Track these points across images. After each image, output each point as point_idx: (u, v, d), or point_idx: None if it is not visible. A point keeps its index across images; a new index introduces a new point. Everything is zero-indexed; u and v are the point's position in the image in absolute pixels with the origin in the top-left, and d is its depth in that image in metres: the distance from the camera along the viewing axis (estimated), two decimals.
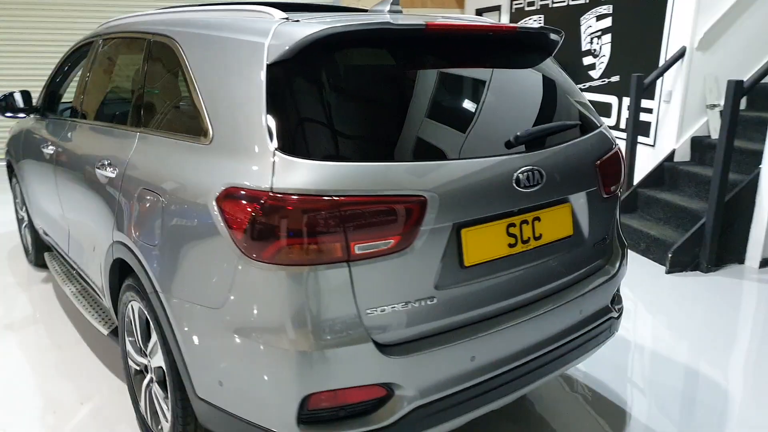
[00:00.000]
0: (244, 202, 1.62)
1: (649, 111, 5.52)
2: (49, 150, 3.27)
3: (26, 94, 3.65)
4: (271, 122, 1.66)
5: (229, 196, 1.66)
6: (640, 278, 4.46)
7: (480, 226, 1.84)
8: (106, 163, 2.44)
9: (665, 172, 5.25)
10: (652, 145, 5.53)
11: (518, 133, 1.90)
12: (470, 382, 1.84)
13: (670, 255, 4.46)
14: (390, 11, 2.24)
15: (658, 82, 5.32)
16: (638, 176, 5.40)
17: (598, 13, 6.21)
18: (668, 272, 4.48)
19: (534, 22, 7.44)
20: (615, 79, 6.01)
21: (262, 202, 1.59)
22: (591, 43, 6.37)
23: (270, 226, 1.58)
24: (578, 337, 2.18)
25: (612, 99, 6.06)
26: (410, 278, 1.72)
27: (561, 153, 2.06)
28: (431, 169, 1.73)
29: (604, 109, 6.18)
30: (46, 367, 3.04)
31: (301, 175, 1.59)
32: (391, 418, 1.70)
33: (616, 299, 2.45)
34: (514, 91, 2.19)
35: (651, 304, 4.02)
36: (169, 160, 2.05)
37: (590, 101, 6.32)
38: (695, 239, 4.47)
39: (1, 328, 3.47)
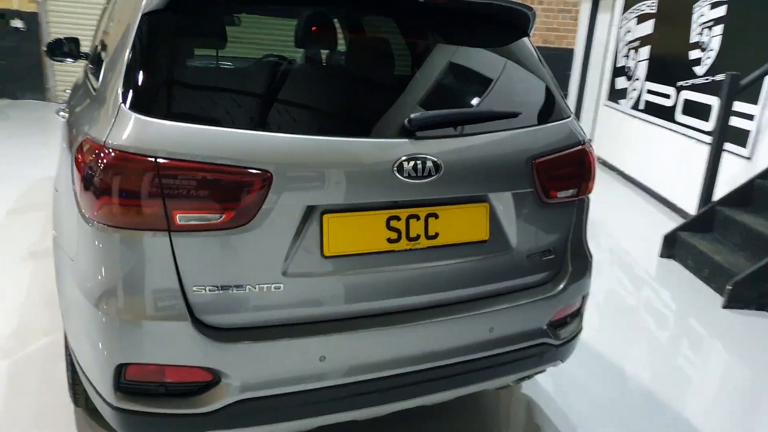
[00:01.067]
0: (86, 154, 1.56)
1: (750, 117, 4.72)
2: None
3: (75, 41, 3.88)
4: (128, 74, 1.58)
5: (80, 147, 1.62)
6: (688, 308, 3.87)
7: (348, 213, 1.63)
8: (63, 108, 2.52)
9: (754, 191, 4.47)
10: (748, 158, 4.74)
11: (412, 116, 1.65)
12: (317, 383, 1.67)
13: (729, 287, 3.81)
14: None
15: (765, 84, 4.52)
16: (722, 191, 4.66)
17: (713, 0, 5.39)
18: (725, 307, 3.84)
19: (648, 7, 6.66)
20: (720, 77, 5.21)
21: (93, 156, 1.52)
22: (700, 34, 5.56)
23: (94, 182, 1.50)
24: (486, 357, 1.90)
25: (713, 100, 5.27)
26: (250, 260, 1.57)
27: (472, 144, 1.77)
28: (285, 143, 1.55)
29: (702, 112, 5.39)
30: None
31: (134, 132, 1.49)
32: (211, 406, 1.59)
33: (565, 324, 2.11)
34: (438, 70, 1.91)
35: (689, 339, 3.47)
36: (80, 107, 2.06)
37: (688, 100, 5.64)
38: (765, 273, 3.78)
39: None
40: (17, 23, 8.56)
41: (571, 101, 9.06)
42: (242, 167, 1.50)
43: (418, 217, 1.72)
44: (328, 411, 1.71)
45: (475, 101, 1.89)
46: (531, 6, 2.02)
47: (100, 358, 1.58)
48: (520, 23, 2.05)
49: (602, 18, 8.29)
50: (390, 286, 1.74)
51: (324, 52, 1.80)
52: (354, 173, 1.61)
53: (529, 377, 2.17)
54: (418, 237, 1.73)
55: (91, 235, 1.55)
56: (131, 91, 1.55)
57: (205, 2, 1.64)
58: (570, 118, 2.04)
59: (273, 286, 1.60)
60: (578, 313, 2.17)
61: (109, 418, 1.62)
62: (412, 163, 1.64)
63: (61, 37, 3.89)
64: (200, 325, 1.56)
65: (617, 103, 7.43)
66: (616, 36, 7.65)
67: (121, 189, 1.46)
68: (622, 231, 5.35)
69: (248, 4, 1.71)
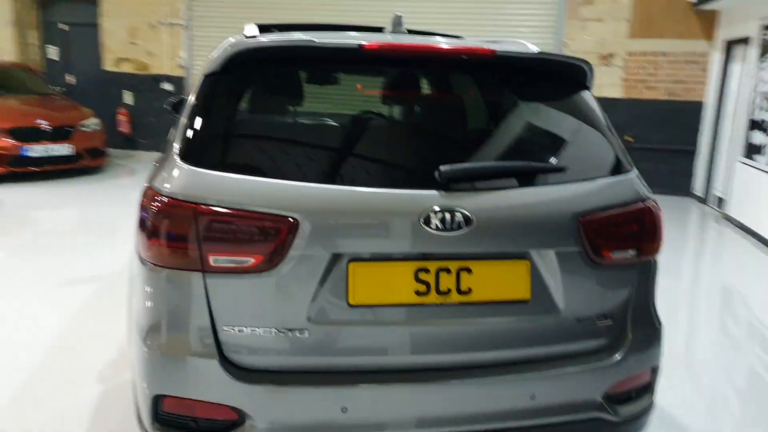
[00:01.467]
0: (143, 199, 1.73)
1: None
2: None
3: None
4: (185, 129, 1.75)
5: (143, 194, 1.79)
6: None
7: (375, 263, 1.65)
8: None
9: None
10: None
11: (442, 168, 1.65)
12: None
13: None
14: (392, 32, 2.14)
15: None
16: None
17: None
18: None
19: None
20: None
21: (146, 200, 1.68)
22: None
23: (141, 223, 1.66)
24: (526, 428, 1.77)
25: None
26: (277, 303, 1.63)
27: (508, 198, 1.71)
28: (312, 192, 1.61)
29: None
30: None
31: (180, 179, 1.64)
32: None
33: (628, 400, 1.91)
34: (484, 123, 1.89)
35: None
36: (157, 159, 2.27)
37: None
38: None
39: None
40: (166, 86, 9.74)
41: (702, 157, 8.42)
42: (270, 214, 1.58)
43: (449, 271, 1.68)
44: None
45: (516, 155, 1.84)
46: (587, 60, 1.96)
47: (142, 389, 1.70)
48: (577, 77, 1.98)
49: (735, 68, 7.70)
50: (418, 341, 1.70)
51: (350, 106, 1.88)
52: (379, 224, 1.63)
53: None
54: (448, 291, 1.68)
55: (139, 272, 1.69)
56: (185, 143, 1.71)
57: (255, 67, 1.79)
58: (630, 173, 1.91)
59: (298, 331, 1.64)
60: (647, 388, 1.96)
61: None
62: (440, 215, 1.62)
63: (185, 96, 4.37)
64: (228, 364, 1.63)
65: (753, 159, 6.77)
66: (750, 87, 7.05)
67: (165, 230, 1.60)
68: (763, 303, 4.77)
69: (291, 69, 1.84)
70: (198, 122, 1.74)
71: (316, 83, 1.90)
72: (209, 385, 1.63)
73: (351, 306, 1.65)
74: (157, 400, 1.67)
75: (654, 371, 1.96)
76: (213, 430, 1.67)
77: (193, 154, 1.67)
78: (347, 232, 1.62)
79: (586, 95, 2.01)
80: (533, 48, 1.94)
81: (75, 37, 10.55)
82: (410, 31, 2.30)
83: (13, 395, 2.72)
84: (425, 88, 1.88)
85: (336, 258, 1.62)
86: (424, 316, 1.69)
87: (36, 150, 7.11)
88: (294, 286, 1.61)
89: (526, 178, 1.76)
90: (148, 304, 1.68)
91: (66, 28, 10.53)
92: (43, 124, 7.20)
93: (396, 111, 1.89)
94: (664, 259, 5.59)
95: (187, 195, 1.60)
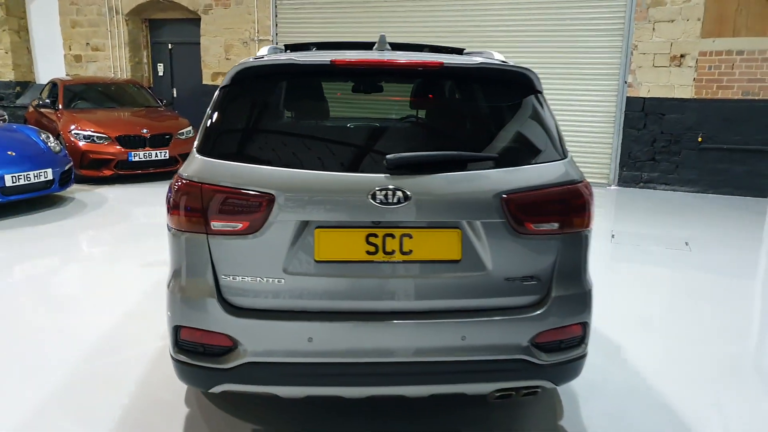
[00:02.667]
0: (171, 183, 2.34)
1: None
2: None
3: None
4: (202, 130, 2.34)
5: (173, 178, 2.40)
6: None
7: (335, 229, 2.14)
8: None
9: None
10: None
11: (388, 156, 2.12)
12: (305, 359, 2.16)
13: None
14: (376, 49, 2.64)
15: None
16: None
17: None
18: None
19: None
20: None
21: (171, 183, 2.29)
22: None
23: (168, 200, 2.26)
24: (458, 362, 2.20)
25: None
26: (260, 258, 2.16)
27: (442, 179, 2.14)
28: (286, 175, 2.14)
29: None
30: None
31: (193, 167, 2.23)
32: (230, 364, 2.19)
33: (557, 349, 2.28)
34: (431, 119, 2.33)
35: None
36: None
37: None
38: None
39: None
40: None
41: None
42: (254, 191, 2.13)
43: (393, 236, 2.14)
44: (314, 383, 2.19)
45: (454, 146, 2.26)
46: (529, 68, 2.34)
47: (168, 322, 2.30)
48: (526, 82, 2.37)
49: None
50: (369, 290, 2.18)
51: (325, 108, 2.37)
52: (338, 199, 2.12)
53: (520, 393, 2.33)
54: (393, 252, 2.15)
55: (169, 238, 2.30)
56: (200, 140, 2.30)
57: (255, 81, 2.34)
58: (562, 161, 2.27)
59: (276, 279, 2.17)
60: (576, 341, 2.32)
61: (173, 365, 2.31)
62: (384, 192, 2.10)
63: None
64: (225, 303, 2.19)
65: None
66: None
67: (182, 204, 2.19)
68: None
69: (283, 82, 2.37)
70: (209, 123, 2.32)
71: (301, 92, 2.43)
72: (211, 319, 2.19)
73: (316, 261, 2.15)
74: (177, 330, 2.26)
75: (584, 327, 2.31)
76: (214, 354, 2.23)
77: (204, 148, 2.26)
78: (313, 205, 2.12)
79: (533, 97, 2.38)
80: (481, 59, 2.36)
81: (179, 55, 11.86)
82: (396, 46, 2.80)
83: (105, 339, 3.48)
84: (388, 93, 2.36)
85: (305, 225, 2.13)
86: (374, 271, 2.16)
87: (139, 155, 8.22)
88: (273, 245, 2.15)
89: (458, 165, 2.18)
90: (172, 259, 2.28)
91: (171, 46, 11.86)
92: (146, 133, 8.30)
93: (361, 112, 2.38)
94: (737, 263, 5.64)
95: (196, 177, 2.18)
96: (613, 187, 8.95)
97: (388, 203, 2.10)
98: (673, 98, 8.70)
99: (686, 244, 5.86)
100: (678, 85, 8.64)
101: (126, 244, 5.75)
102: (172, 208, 2.23)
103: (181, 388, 2.89)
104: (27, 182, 6.44)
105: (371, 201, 2.10)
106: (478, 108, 2.42)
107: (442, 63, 2.28)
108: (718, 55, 8.51)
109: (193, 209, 2.17)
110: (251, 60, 2.35)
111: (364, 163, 2.19)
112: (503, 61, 2.50)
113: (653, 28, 8.70)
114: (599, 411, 2.86)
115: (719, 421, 2.83)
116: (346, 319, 2.16)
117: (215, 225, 2.15)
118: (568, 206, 2.22)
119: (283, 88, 2.42)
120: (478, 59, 2.36)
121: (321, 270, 2.16)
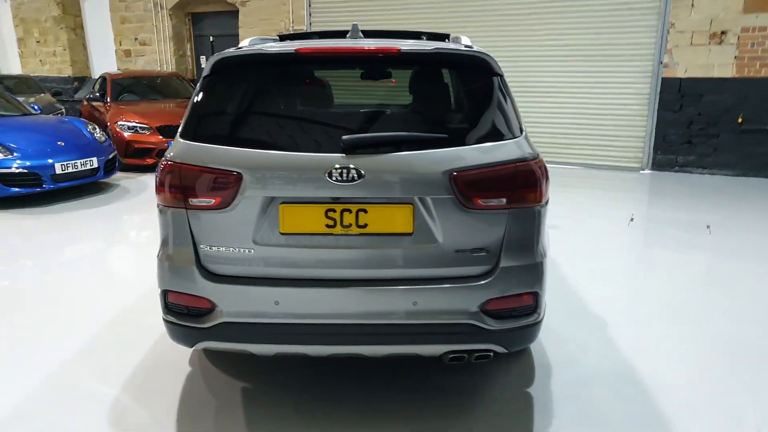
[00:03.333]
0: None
1: None
2: None
3: None
4: (187, 114, 2.58)
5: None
6: None
7: (297, 204, 2.35)
8: None
9: None
10: None
11: (344, 137, 2.31)
12: (273, 320, 2.39)
13: None
14: (349, 37, 2.83)
15: None
16: None
17: None
18: None
19: None
20: None
21: (158, 165, 2.55)
22: None
23: (155, 180, 2.53)
24: (410, 325, 2.38)
25: None
26: (232, 231, 2.39)
27: (394, 158, 2.31)
28: (252, 155, 2.36)
29: None
30: None
31: (175, 149, 2.48)
32: (209, 324, 2.44)
33: (508, 316, 2.42)
34: (390, 102, 2.49)
35: None
36: None
37: None
38: None
39: None
40: None
41: None
42: (224, 169, 2.36)
43: (350, 211, 2.33)
44: (281, 342, 2.42)
45: (408, 127, 2.42)
46: (484, 52, 2.47)
47: (159, 286, 2.58)
48: (485, 65, 2.50)
49: None
50: (329, 259, 2.37)
51: (293, 94, 2.56)
52: (299, 177, 2.32)
53: (472, 356, 2.48)
54: (350, 225, 2.34)
55: (158, 214, 2.57)
56: (183, 125, 2.55)
57: (230, 71, 2.57)
58: (514, 140, 2.40)
59: (246, 249, 2.40)
60: (528, 310, 2.45)
61: (164, 326, 2.59)
62: (339, 171, 2.29)
63: None
64: (203, 270, 2.44)
65: None
66: None
67: (165, 181, 2.44)
68: None
69: (256, 77, 2.58)
70: (190, 110, 2.57)
71: (270, 79, 2.62)
72: (192, 284, 2.45)
73: (281, 234, 2.37)
74: (165, 294, 2.53)
75: (535, 296, 2.44)
76: (196, 315, 2.48)
77: (186, 132, 2.50)
78: (277, 182, 2.33)
79: (491, 79, 2.51)
80: (438, 45, 2.51)
81: (220, 47, 12.31)
82: (369, 34, 2.97)
83: (130, 309, 3.85)
84: (351, 78, 2.54)
85: (270, 200, 2.35)
86: (333, 242, 2.36)
87: None
88: (243, 218, 2.37)
89: (413, 145, 2.35)
90: (160, 232, 2.55)
91: (212, 39, 12.35)
92: None
93: (325, 96, 2.58)
94: (755, 248, 5.31)
95: (177, 159, 2.43)
96: (646, 171, 8.80)
97: (343, 181, 2.29)
98: (712, 78, 8.45)
99: (707, 227, 5.77)
100: (718, 64, 8.38)
101: None
102: (158, 186, 2.49)
103: (186, 350, 3.20)
104: (75, 170, 6.96)
105: (328, 179, 2.30)
106: (435, 91, 2.56)
107: (399, 49, 2.44)
108: (761, 31, 8.20)
109: (174, 187, 2.42)
110: (228, 51, 2.58)
111: (324, 144, 2.39)
112: (468, 46, 2.64)
113: (692, 5, 8.45)
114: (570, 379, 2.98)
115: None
116: (309, 285, 2.38)
117: (192, 201, 2.40)
118: (517, 183, 2.35)
119: (254, 76, 2.64)
120: (436, 45, 2.51)
121: (285, 241, 2.38)
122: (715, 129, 8.53)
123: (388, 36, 3.17)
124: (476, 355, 2.47)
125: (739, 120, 8.31)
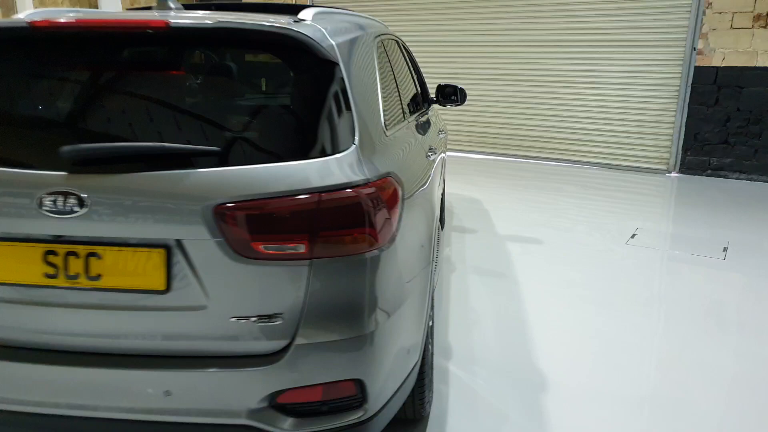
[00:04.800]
0: None
1: None
2: None
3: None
4: None
5: None
6: None
7: (2, 242, 1.64)
8: None
9: None
10: None
11: (64, 148, 1.56)
12: None
13: None
14: (155, 9, 2.08)
15: None
16: None
17: None
18: None
19: None
20: None
21: None
22: None
23: None
24: (159, 423, 1.64)
25: None
26: None
27: (137, 182, 1.56)
28: None
29: None
30: None
31: None
32: None
33: (309, 414, 1.65)
34: (148, 100, 1.72)
35: None
36: None
37: None
38: None
39: None
40: None
41: None
42: None
43: (77, 255, 1.60)
44: None
45: (168, 135, 1.65)
46: (303, 29, 1.66)
47: None
48: (297, 48, 1.70)
49: None
50: (48, 321, 1.66)
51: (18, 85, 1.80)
52: (1, 203, 1.61)
53: None
54: (77, 276, 1.61)
55: None
56: None
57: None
58: (334, 156, 1.61)
59: None
60: (349, 404, 1.67)
61: None
62: (53, 198, 1.56)
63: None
64: None
65: None
66: None
67: None
68: None
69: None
70: None
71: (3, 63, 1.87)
72: None
73: None
74: None
75: (358, 384, 1.65)
76: None
77: None
78: None
79: (311, 67, 1.71)
80: (228, 18, 1.72)
81: None
82: (190, 6, 2.19)
83: None
84: (106, 64, 1.78)
85: None
86: (54, 298, 1.64)
87: None
88: None
89: (161, 162, 1.58)
90: None
91: None
92: None
93: (68, 87, 1.82)
94: None
95: None
96: (673, 174, 7.66)
97: (58, 211, 1.56)
98: (755, 67, 7.25)
99: (724, 249, 4.74)
100: (762, 50, 7.17)
101: None
102: None
103: None
104: None
105: (39, 208, 1.57)
106: (219, 85, 1.79)
107: (167, 23, 1.66)
108: None
109: None
110: None
111: (38, 157, 1.65)
112: (300, 19, 1.84)
113: None
114: None
115: None
116: (22, 358, 1.67)
117: None
118: (321, 221, 1.56)
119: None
120: (225, 18, 1.71)
121: None
122: (756, 127, 7.34)
123: (221, 9, 2.33)
124: None
125: None
